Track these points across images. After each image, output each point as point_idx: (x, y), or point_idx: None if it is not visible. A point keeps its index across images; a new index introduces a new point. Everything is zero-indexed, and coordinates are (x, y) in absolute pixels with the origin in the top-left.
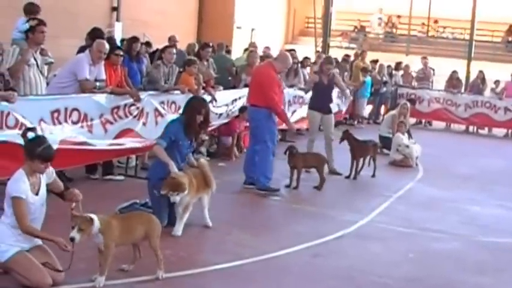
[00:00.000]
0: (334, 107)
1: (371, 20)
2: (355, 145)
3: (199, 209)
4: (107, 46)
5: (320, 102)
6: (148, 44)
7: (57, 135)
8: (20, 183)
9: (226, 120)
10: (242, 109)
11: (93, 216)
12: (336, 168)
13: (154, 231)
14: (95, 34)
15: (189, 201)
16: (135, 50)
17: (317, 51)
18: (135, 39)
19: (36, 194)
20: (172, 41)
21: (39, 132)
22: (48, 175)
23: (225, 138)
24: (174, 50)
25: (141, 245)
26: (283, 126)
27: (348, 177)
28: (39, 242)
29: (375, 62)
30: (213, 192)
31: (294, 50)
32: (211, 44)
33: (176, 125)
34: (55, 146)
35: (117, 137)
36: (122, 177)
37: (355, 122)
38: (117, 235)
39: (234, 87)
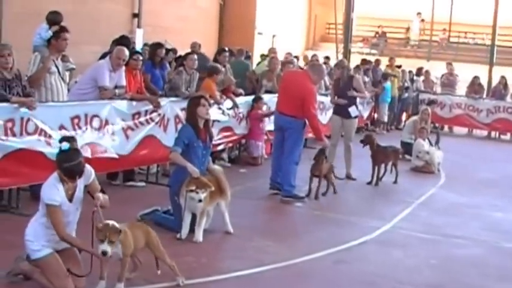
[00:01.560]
0: (354, 111)
1: (412, 26)
2: (376, 151)
3: (221, 215)
4: (127, 53)
5: (338, 106)
6: (173, 50)
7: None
8: (52, 190)
9: (246, 131)
10: (256, 99)
11: (121, 226)
12: (352, 173)
13: (153, 240)
14: (122, 41)
15: (204, 207)
16: (159, 56)
17: (326, 58)
18: (159, 45)
19: (70, 199)
20: (194, 47)
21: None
22: (87, 176)
23: (253, 142)
24: (196, 57)
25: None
26: None
27: (369, 183)
28: None
29: (397, 67)
30: (228, 198)
31: (315, 55)
32: (227, 49)
33: (186, 129)
34: None
35: (140, 143)
36: (143, 184)
37: (377, 128)
38: (132, 244)
39: (253, 93)
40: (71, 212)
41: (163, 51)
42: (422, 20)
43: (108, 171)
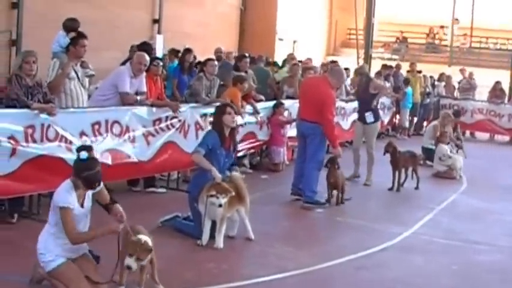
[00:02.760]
0: (369, 117)
1: (449, 31)
2: (396, 156)
3: (242, 221)
4: (147, 58)
5: (359, 112)
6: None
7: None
8: (66, 194)
9: (268, 137)
10: (277, 104)
11: (151, 244)
12: (371, 180)
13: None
14: (143, 48)
15: (224, 214)
16: (188, 62)
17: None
18: (188, 50)
19: (82, 205)
20: (218, 53)
21: (94, 153)
22: (88, 200)
23: (274, 149)
24: (216, 63)
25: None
26: None
27: (390, 189)
28: (84, 251)
29: (418, 72)
30: (248, 205)
31: (336, 61)
32: (247, 55)
33: (211, 134)
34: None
35: (160, 150)
36: (163, 190)
37: (398, 134)
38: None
39: (274, 99)
40: (82, 219)
41: (192, 56)
42: (441, 27)
43: (129, 177)
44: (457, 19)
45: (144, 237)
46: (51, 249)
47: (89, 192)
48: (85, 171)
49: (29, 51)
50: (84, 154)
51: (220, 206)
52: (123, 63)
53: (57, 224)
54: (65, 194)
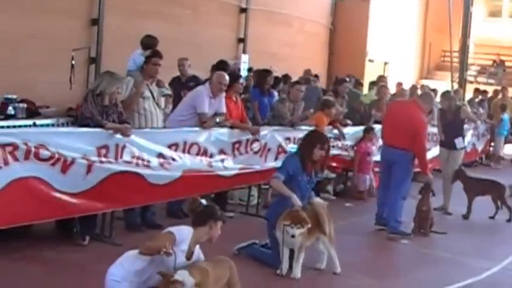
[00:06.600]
0: (459, 143)
1: None
2: (467, 183)
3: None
4: (227, 78)
5: (445, 138)
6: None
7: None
8: (184, 236)
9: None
10: (368, 129)
11: (205, 265)
12: (449, 208)
13: (234, 277)
14: (219, 66)
15: (302, 242)
16: (268, 84)
17: (422, 86)
18: (268, 72)
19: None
20: (306, 75)
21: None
22: (197, 255)
23: (360, 175)
24: (303, 88)
25: None
26: None
27: (464, 216)
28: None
29: None
30: (329, 234)
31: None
32: (348, 80)
33: (293, 159)
34: (179, 174)
35: (238, 173)
36: (231, 214)
37: (492, 163)
38: (212, 284)
39: (361, 124)
40: (167, 267)
41: (272, 78)
42: None
43: (212, 191)
44: None
45: (180, 277)
46: (130, 279)
47: (194, 257)
48: (219, 210)
49: (125, 78)
50: (204, 200)
51: (293, 236)
52: (202, 83)
53: (152, 260)
54: (184, 236)
